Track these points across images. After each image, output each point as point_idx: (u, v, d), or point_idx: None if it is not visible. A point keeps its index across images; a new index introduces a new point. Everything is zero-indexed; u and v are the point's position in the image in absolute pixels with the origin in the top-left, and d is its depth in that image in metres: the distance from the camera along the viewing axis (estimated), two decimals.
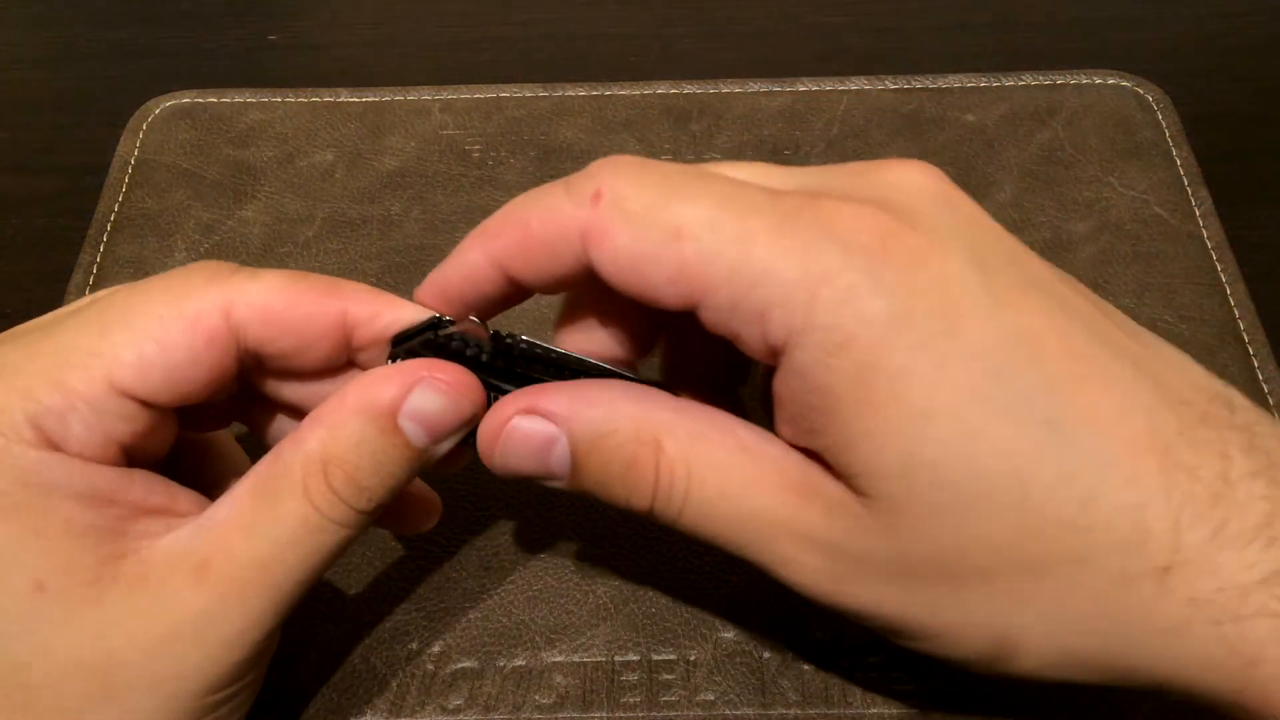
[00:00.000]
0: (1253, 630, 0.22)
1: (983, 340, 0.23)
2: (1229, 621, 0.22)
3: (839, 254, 0.23)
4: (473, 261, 0.27)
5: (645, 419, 0.25)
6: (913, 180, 0.25)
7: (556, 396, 0.26)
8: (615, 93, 0.46)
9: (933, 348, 0.22)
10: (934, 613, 0.24)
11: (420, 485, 0.30)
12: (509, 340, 0.27)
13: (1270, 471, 0.23)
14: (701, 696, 0.30)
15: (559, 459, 0.26)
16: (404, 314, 0.27)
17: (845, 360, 0.22)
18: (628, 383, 0.26)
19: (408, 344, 0.27)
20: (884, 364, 0.22)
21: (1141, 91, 0.45)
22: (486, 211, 0.41)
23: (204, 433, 0.30)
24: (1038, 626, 0.23)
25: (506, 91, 0.46)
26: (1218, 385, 0.24)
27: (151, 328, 0.25)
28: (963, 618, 0.24)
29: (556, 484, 0.26)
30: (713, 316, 0.24)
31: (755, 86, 0.46)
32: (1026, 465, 0.22)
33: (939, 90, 0.46)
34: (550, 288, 0.27)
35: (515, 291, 0.27)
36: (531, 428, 0.26)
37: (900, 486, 0.23)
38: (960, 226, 0.24)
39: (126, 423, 0.25)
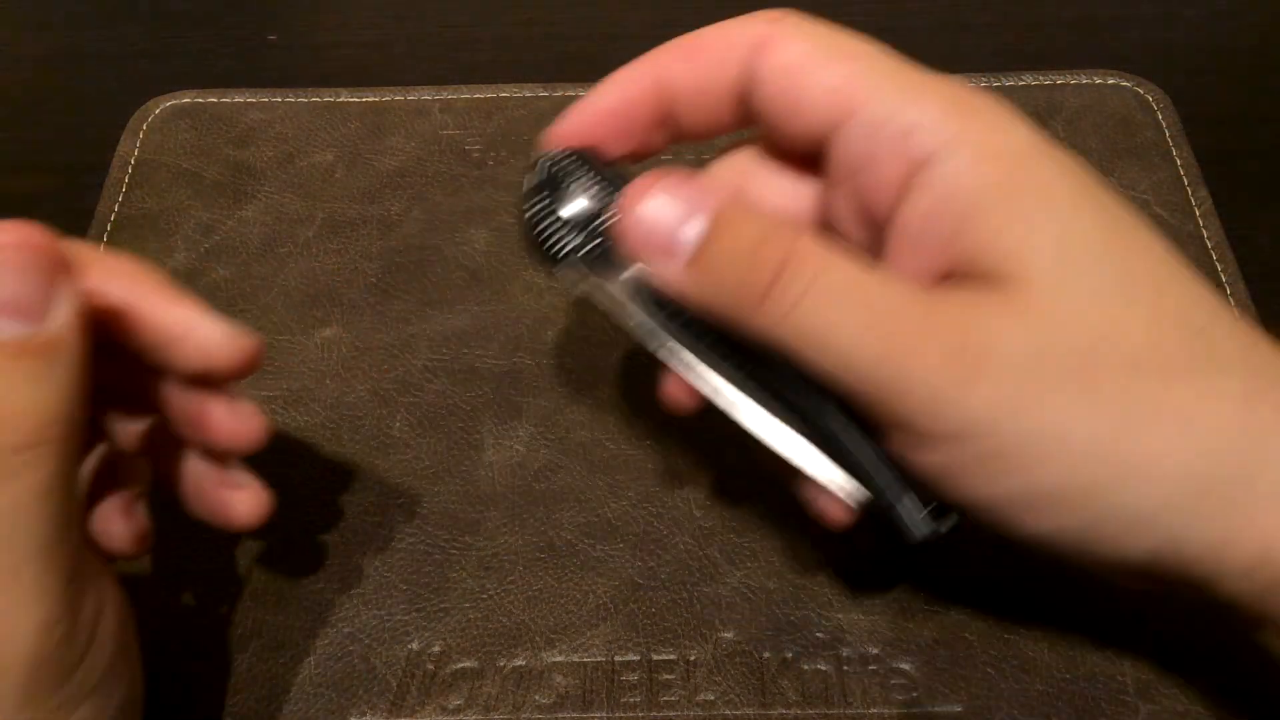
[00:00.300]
0: None
1: (1100, 189, 0.25)
2: None
3: (985, 101, 0.25)
4: (629, 75, 0.28)
5: (790, 221, 0.26)
6: None
7: (707, 182, 0.27)
8: None
9: (1070, 169, 0.25)
10: (1058, 419, 0.23)
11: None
12: None
13: None
14: (701, 696, 0.30)
15: (688, 235, 0.25)
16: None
17: (997, 165, 0.24)
18: None
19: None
20: (1032, 172, 0.24)
21: (1141, 91, 0.45)
22: (486, 211, 0.42)
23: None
24: (1166, 439, 0.23)
25: (506, 91, 0.46)
26: None
27: None
28: (1090, 424, 0.23)
29: (667, 269, 0.26)
30: (852, 136, 0.26)
31: None
32: (1161, 270, 0.24)
33: None
34: (701, 113, 0.28)
35: (658, 128, 0.28)
36: (673, 198, 0.26)
37: (1053, 264, 0.23)
38: None
39: None
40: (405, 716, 0.30)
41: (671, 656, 0.31)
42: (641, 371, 0.37)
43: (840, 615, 0.32)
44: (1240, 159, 0.46)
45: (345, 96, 0.46)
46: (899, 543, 0.26)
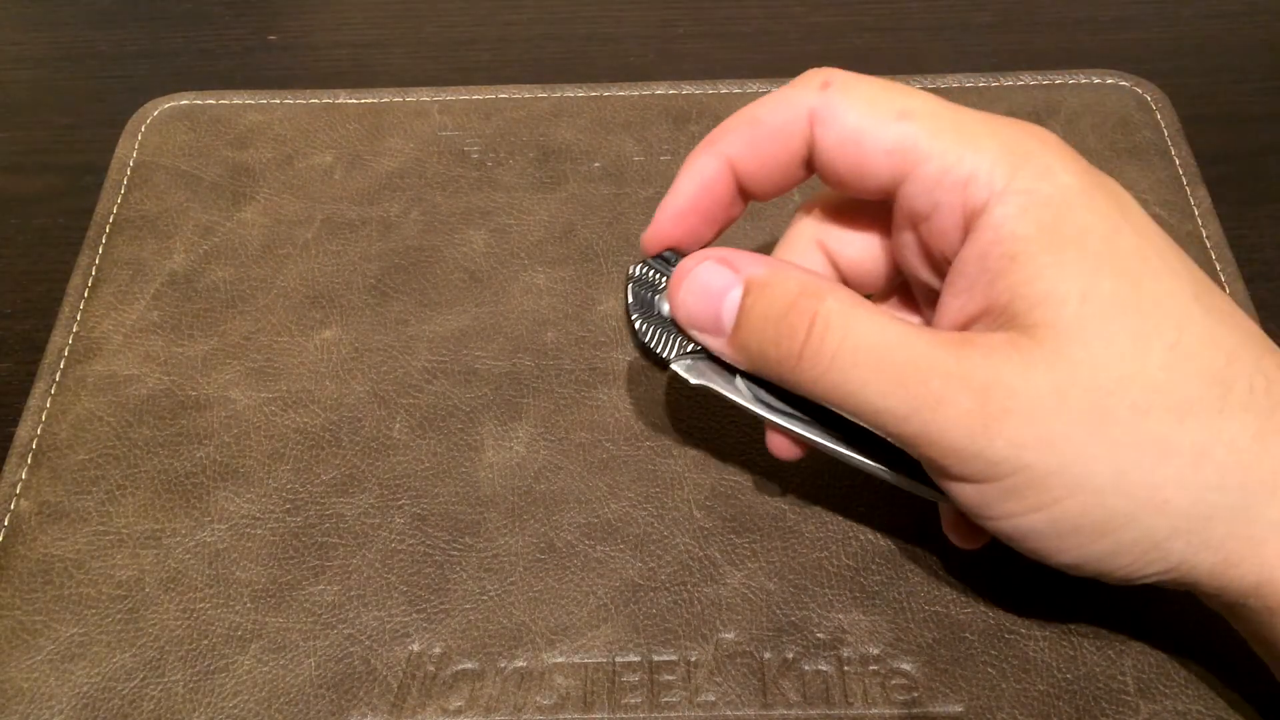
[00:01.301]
0: None
1: (1144, 228, 0.26)
2: None
3: (1036, 144, 0.27)
4: (703, 164, 0.30)
5: (815, 280, 0.28)
6: None
7: (744, 256, 0.29)
8: (614, 94, 0.46)
9: (1109, 216, 0.26)
10: (1078, 458, 0.25)
11: None
12: None
13: None
14: (702, 697, 0.30)
15: (729, 308, 0.28)
16: None
17: (1041, 213, 0.26)
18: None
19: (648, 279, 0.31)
20: (1072, 219, 0.26)
21: (1140, 91, 0.45)
22: (485, 213, 0.42)
23: None
24: (1177, 475, 0.25)
25: (505, 93, 0.46)
26: None
27: None
28: (1106, 461, 0.25)
29: (716, 342, 0.29)
30: (915, 190, 0.27)
31: (754, 87, 0.46)
32: (1181, 317, 0.25)
33: (939, 90, 0.46)
34: (770, 183, 0.30)
35: (735, 202, 0.31)
36: (713, 275, 0.29)
37: (1077, 312, 0.25)
38: None
39: None
40: (406, 718, 0.30)
41: (672, 657, 0.31)
42: (642, 372, 0.37)
43: (840, 615, 0.32)
44: (1239, 159, 0.46)
45: (344, 98, 0.46)
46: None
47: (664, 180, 0.43)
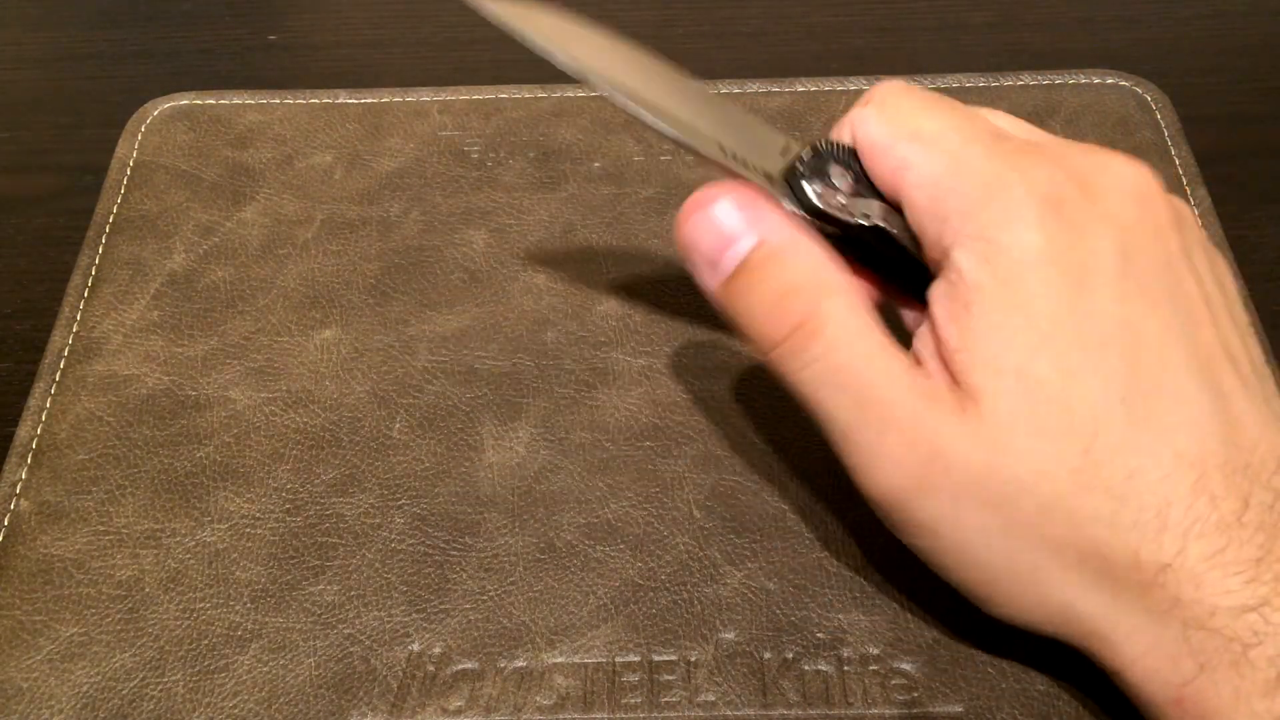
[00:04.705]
0: (1208, 642, 0.25)
1: (1101, 311, 0.26)
2: (1195, 628, 0.25)
3: (1022, 192, 0.27)
4: None
5: (828, 270, 0.28)
6: (1119, 171, 0.28)
7: (766, 207, 0.28)
8: None
9: (1063, 293, 0.26)
10: (982, 537, 0.27)
11: None
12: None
13: (1275, 529, 0.25)
14: (702, 697, 0.30)
15: (731, 259, 0.28)
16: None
17: (996, 267, 0.26)
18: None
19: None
20: (1027, 282, 0.26)
21: (1140, 91, 0.45)
22: (485, 212, 0.42)
23: None
24: (1060, 576, 0.26)
25: (505, 92, 0.46)
26: None
27: None
28: (1003, 548, 0.27)
29: (708, 283, 0.29)
30: (909, 209, 0.28)
31: (755, 87, 0.46)
32: (1100, 422, 0.25)
33: (938, 90, 0.46)
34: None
35: None
36: (728, 217, 0.28)
37: (1012, 390, 0.26)
38: (1141, 224, 0.27)
39: None
40: (406, 718, 0.30)
41: (672, 657, 0.31)
42: (642, 372, 0.37)
43: (840, 615, 0.32)
44: (1239, 159, 0.46)
45: (344, 98, 0.46)
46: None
47: (664, 180, 0.43)
